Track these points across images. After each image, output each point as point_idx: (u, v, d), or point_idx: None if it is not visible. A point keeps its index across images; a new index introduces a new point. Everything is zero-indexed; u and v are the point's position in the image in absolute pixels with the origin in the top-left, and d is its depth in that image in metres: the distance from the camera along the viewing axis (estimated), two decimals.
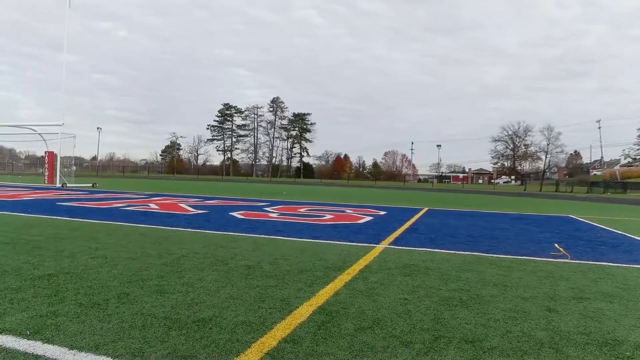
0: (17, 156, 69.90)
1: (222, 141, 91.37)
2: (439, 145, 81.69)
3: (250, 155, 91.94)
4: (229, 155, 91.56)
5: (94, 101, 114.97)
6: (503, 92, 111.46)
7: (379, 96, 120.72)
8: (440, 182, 78.25)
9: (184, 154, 78.50)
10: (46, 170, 24.62)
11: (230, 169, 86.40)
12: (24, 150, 75.42)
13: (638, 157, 73.87)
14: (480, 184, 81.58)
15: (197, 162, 76.24)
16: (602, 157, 79.27)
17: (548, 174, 76.34)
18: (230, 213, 9.02)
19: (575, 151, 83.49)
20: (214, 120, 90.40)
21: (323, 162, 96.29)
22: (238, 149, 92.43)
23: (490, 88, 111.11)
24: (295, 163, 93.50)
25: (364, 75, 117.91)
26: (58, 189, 18.60)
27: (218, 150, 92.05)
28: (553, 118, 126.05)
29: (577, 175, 69.25)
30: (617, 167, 69.64)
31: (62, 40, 21.29)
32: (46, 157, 25.17)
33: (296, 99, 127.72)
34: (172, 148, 68.02)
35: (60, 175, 21.84)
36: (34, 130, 25.18)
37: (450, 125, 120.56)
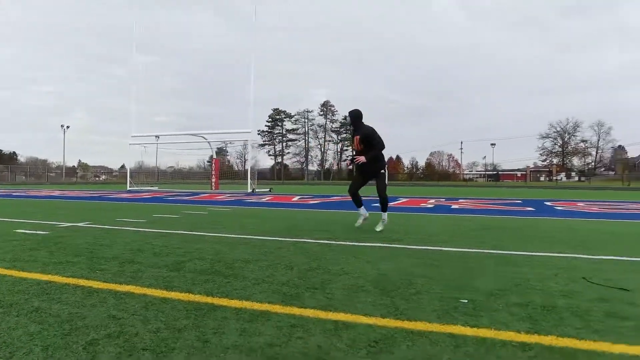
0: (49, 166, 73.53)
1: (273, 146, 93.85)
2: (493, 144, 79.39)
3: (302, 159, 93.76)
4: (280, 159, 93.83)
5: (140, 107, 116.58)
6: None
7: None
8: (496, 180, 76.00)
9: (232, 159, 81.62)
10: (213, 176, 26.31)
11: (281, 173, 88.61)
12: (55, 161, 79.14)
13: None
14: (541, 181, 78.46)
15: (244, 167, 78.83)
16: None
17: (602, 169, 73.97)
18: None
19: (620, 145, 79.99)
20: (265, 125, 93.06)
21: None
22: (289, 152, 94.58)
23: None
24: (346, 165, 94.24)
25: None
26: (251, 194, 19.11)
27: (269, 155, 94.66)
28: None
29: (634, 170, 66.28)
30: None
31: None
32: (213, 164, 27.29)
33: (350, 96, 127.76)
34: (219, 154, 71.43)
35: (250, 182, 22.47)
36: (205, 138, 27.30)
37: (499, 123, 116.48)
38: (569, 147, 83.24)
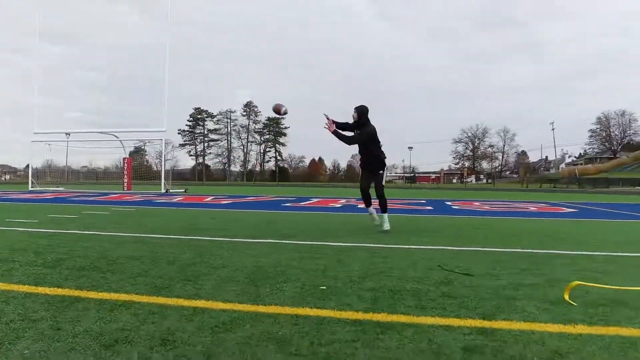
0: None
1: (194, 146, 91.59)
2: (410, 147, 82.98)
3: (224, 160, 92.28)
4: (202, 160, 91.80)
5: (59, 102, 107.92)
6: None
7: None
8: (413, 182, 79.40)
9: (151, 159, 78.72)
10: (125, 176, 24.83)
11: (202, 174, 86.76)
12: None
13: (585, 156, 79.29)
14: (454, 183, 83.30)
15: (163, 168, 76.53)
16: (546, 156, 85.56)
17: (508, 172, 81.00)
18: None
19: (523, 151, 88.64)
20: (186, 125, 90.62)
21: (297, 165, 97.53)
22: (211, 153, 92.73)
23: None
24: (270, 167, 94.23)
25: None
26: (164, 194, 18.69)
27: (190, 155, 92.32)
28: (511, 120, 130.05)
29: (534, 173, 72.84)
30: (579, 165, 72.30)
31: None
32: (125, 164, 25.44)
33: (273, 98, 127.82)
34: (137, 154, 68.50)
35: (164, 182, 22.40)
36: (116, 137, 25.59)
37: (417, 128, 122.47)
38: (479, 151, 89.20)
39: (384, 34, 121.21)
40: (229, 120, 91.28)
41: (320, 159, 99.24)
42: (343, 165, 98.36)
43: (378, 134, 6.27)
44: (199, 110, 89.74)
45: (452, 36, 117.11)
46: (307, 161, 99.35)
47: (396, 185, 68.52)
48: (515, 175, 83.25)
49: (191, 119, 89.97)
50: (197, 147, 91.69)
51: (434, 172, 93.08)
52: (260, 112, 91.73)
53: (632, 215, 10.05)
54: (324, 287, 3.09)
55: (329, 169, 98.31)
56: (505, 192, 28.97)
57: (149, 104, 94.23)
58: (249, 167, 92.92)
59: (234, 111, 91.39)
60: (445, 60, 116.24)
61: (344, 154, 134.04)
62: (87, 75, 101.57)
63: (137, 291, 2.92)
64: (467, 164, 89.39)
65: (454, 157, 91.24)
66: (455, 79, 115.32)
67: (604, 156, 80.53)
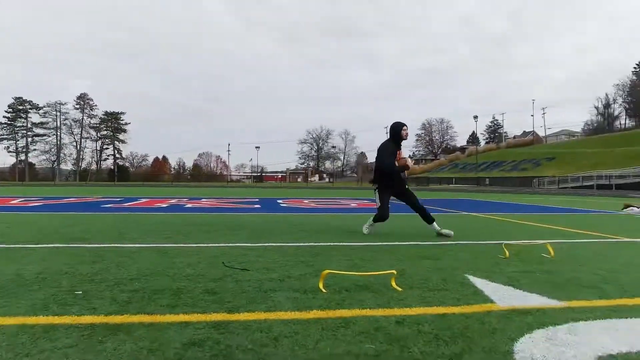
0: None
1: (15, 141, 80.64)
2: (257, 147, 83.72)
3: (53, 157, 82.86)
4: (24, 157, 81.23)
5: None
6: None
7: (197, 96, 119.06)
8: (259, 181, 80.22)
9: None
10: None
11: (25, 173, 76.80)
12: None
13: (414, 157, 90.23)
14: (299, 182, 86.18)
15: None
16: None
17: (349, 172, 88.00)
18: None
19: (362, 152, 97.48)
20: (4, 117, 79.34)
21: (140, 164, 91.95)
22: (37, 149, 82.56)
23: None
24: (108, 165, 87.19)
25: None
26: None
27: (9, 152, 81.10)
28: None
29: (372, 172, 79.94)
30: None
31: None
32: None
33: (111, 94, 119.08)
34: None
35: None
36: None
37: (266, 128, 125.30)
38: (323, 152, 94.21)
39: (237, 34, 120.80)
40: (58, 113, 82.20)
41: (164, 157, 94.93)
42: (189, 164, 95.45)
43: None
44: (20, 101, 79.23)
45: (302, 41, 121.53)
46: (150, 160, 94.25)
47: (243, 184, 68.65)
48: (355, 175, 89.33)
49: (10, 110, 78.97)
50: (19, 142, 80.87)
51: (280, 172, 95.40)
52: (96, 105, 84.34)
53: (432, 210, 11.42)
54: (80, 292, 2.91)
55: (174, 168, 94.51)
56: (341, 190, 30.86)
57: None
58: (83, 165, 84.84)
59: (65, 103, 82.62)
60: (294, 63, 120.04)
61: (190, 153, 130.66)
62: None
63: None
64: (311, 163, 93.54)
65: (299, 157, 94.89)
66: (303, 82, 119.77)
67: (428, 157, 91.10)
